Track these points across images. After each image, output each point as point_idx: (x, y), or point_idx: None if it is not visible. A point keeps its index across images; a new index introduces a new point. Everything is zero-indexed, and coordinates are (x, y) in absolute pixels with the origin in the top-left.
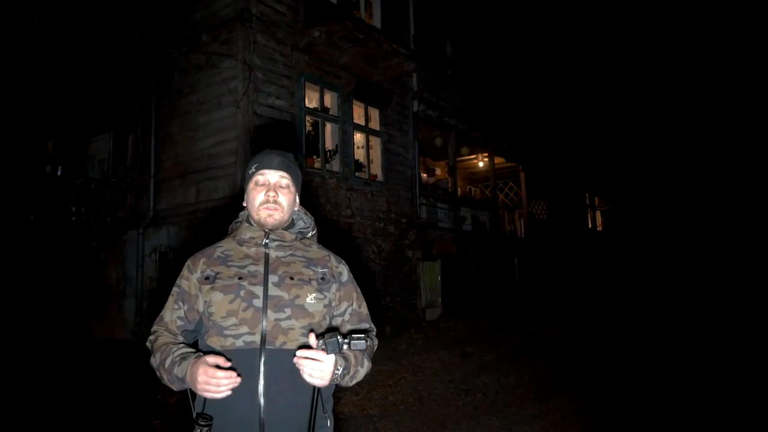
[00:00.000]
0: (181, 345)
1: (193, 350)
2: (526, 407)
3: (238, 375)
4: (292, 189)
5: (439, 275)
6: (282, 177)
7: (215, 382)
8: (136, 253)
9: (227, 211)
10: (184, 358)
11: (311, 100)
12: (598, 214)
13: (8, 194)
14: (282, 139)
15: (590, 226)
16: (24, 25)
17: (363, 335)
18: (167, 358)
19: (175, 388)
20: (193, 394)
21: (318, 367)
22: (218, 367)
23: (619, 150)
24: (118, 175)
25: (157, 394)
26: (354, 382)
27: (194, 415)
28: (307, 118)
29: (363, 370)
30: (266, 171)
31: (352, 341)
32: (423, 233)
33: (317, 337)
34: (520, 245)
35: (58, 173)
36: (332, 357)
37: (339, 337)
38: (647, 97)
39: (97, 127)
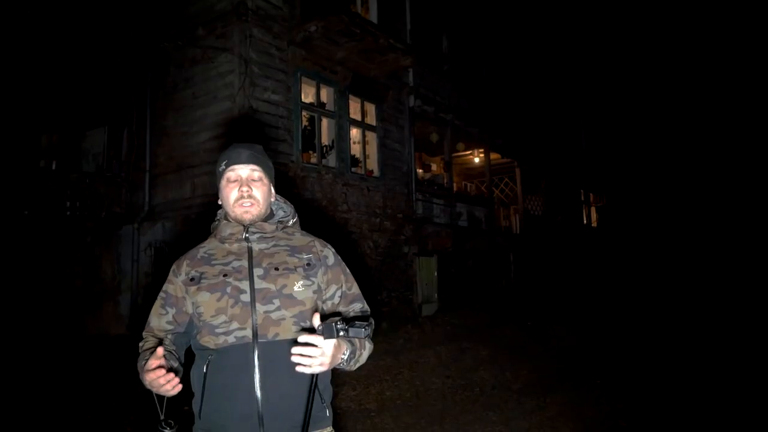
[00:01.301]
0: (149, 351)
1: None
2: (523, 402)
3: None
4: (266, 181)
5: (435, 271)
6: (253, 170)
7: (155, 384)
8: (131, 248)
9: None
10: (141, 368)
11: (307, 95)
12: (593, 210)
13: (2, 189)
14: (277, 134)
15: (585, 222)
16: (18, 19)
17: (365, 323)
18: (140, 365)
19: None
20: (159, 398)
21: (314, 353)
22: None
23: (614, 146)
24: (112, 169)
25: None
26: (357, 366)
27: (161, 417)
28: (304, 113)
29: (366, 352)
30: (236, 166)
31: (351, 329)
32: (419, 229)
33: (321, 319)
34: (516, 241)
35: (53, 167)
36: (330, 342)
37: (338, 323)
38: (642, 93)
39: (91, 121)
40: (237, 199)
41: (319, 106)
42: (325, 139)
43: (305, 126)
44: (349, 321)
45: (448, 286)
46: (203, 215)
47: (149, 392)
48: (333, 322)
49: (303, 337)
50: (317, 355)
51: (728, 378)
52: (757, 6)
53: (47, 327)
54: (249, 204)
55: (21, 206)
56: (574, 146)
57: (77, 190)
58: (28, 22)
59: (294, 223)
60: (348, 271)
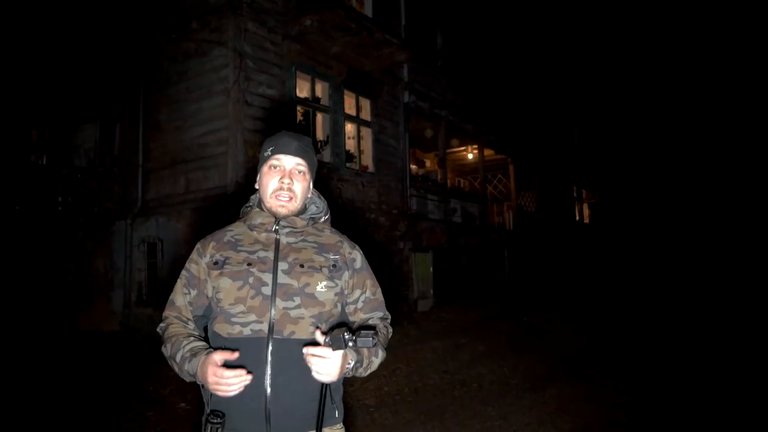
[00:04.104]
0: (191, 338)
1: (203, 345)
2: (521, 397)
3: (248, 372)
4: (308, 176)
5: (430, 267)
6: (298, 164)
7: (225, 382)
8: (124, 243)
9: (217, 201)
10: (194, 354)
11: (302, 90)
12: (585, 206)
13: None
14: (273, 129)
15: (578, 218)
16: (7, 12)
17: (371, 331)
18: (177, 353)
19: (187, 380)
20: (205, 390)
21: (323, 364)
22: (226, 365)
23: (607, 143)
24: (105, 164)
25: (149, 386)
26: (368, 372)
27: (207, 411)
28: (298, 107)
29: (377, 360)
30: (282, 156)
31: (359, 339)
32: (413, 224)
33: (324, 333)
34: (510, 237)
35: (43, 162)
36: (339, 353)
37: (345, 334)
38: (635, 91)
39: (83, 116)
40: (276, 190)
41: (313, 101)
42: (320, 134)
43: (300, 121)
44: (355, 331)
45: (444, 282)
46: (197, 210)
47: (144, 390)
48: (341, 332)
49: (313, 350)
50: (326, 366)
51: (723, 370)
52: (746, 4)
53: (39, 323)
54: (286, 199)
55: (12, 201)
56: (567, 143)
57: (69, 186)
58: (18, 15)
59: (326, 220)
60: (373, 275)
